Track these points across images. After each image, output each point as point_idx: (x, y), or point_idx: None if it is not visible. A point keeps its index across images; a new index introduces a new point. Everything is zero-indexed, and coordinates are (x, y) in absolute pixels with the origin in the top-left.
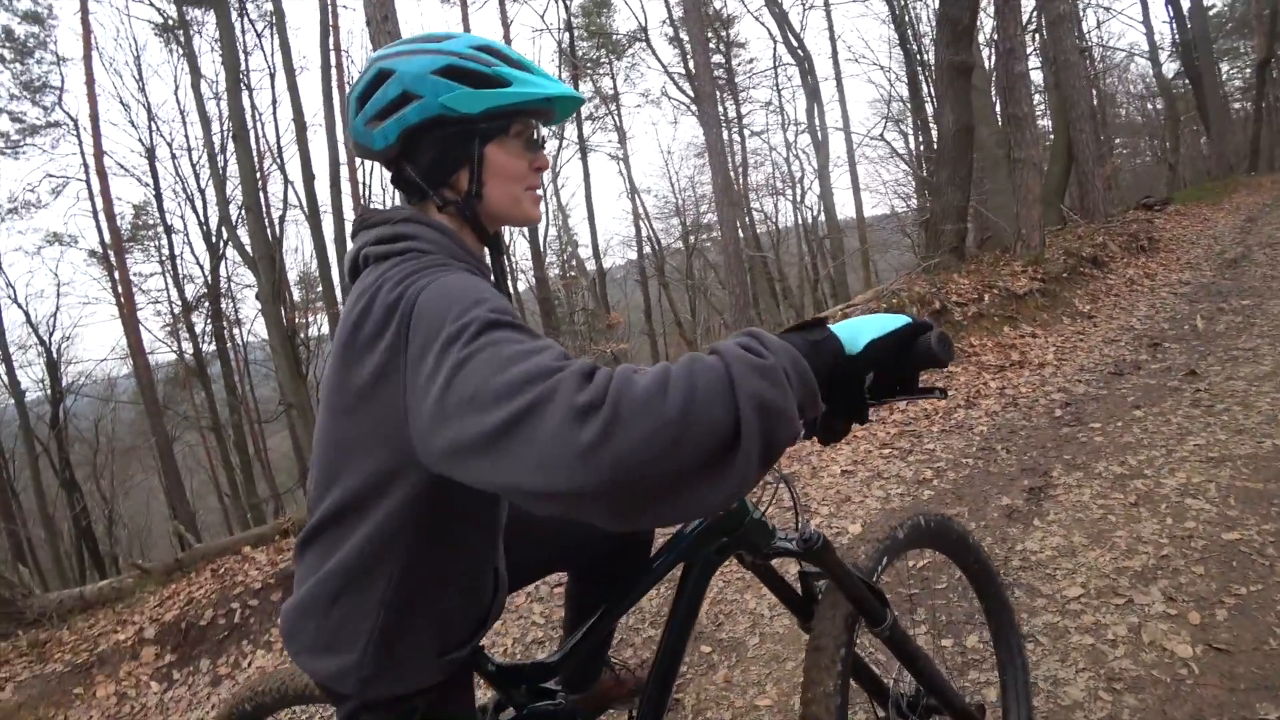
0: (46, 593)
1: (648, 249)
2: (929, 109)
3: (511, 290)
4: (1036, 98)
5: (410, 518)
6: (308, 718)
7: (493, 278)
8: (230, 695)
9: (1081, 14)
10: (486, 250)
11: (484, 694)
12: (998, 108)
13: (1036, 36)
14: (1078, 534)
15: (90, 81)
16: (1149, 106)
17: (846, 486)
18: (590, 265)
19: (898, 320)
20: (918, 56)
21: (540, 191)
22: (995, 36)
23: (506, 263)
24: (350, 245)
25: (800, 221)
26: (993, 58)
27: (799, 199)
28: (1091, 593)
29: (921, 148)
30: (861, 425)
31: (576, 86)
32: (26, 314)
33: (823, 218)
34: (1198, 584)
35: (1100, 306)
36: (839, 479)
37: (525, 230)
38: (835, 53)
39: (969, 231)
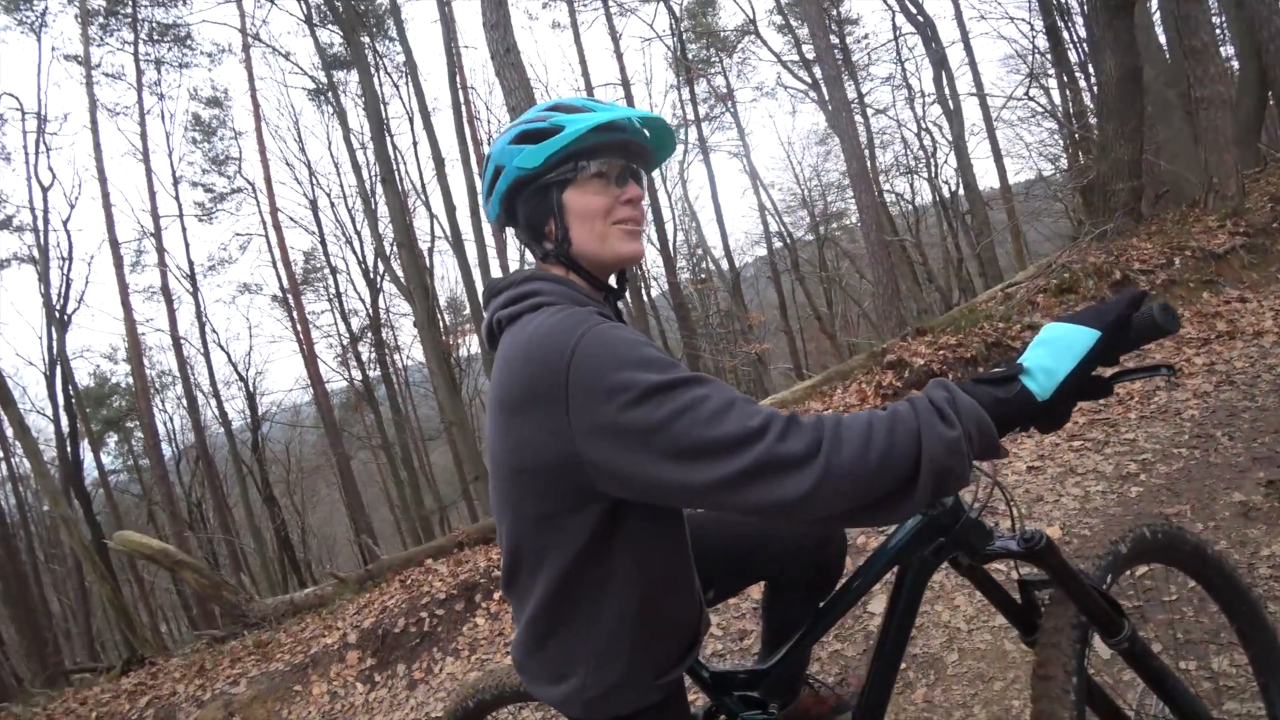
0: (263, 598)
1: (778, 244)
2: (1073, 57)
3: (645, 298)
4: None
5: (593, 551)
6: (525, 714)
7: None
8: (456, 692)
9: None
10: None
11: (695, 700)
12: (1163, 41)
13: None
14: None
15: (262, 149)
16: None
17: (1036, 485)
18: (723, 265)
19: (1088, 340)
20: (1055, 1)
21: (637, 226)
22: None
23: (623, 305)
24: (484, 313)
25: (938, 199)
26: None
27: (934, 175)
28: None
29: (1070, 102)
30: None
31: (692, 90)
32: (228, 355)
33: (962, 192)
34: None
35: None
36: (1025, 476)
37: (654, 237)
38: (959, 13)
39: (1144, 188)
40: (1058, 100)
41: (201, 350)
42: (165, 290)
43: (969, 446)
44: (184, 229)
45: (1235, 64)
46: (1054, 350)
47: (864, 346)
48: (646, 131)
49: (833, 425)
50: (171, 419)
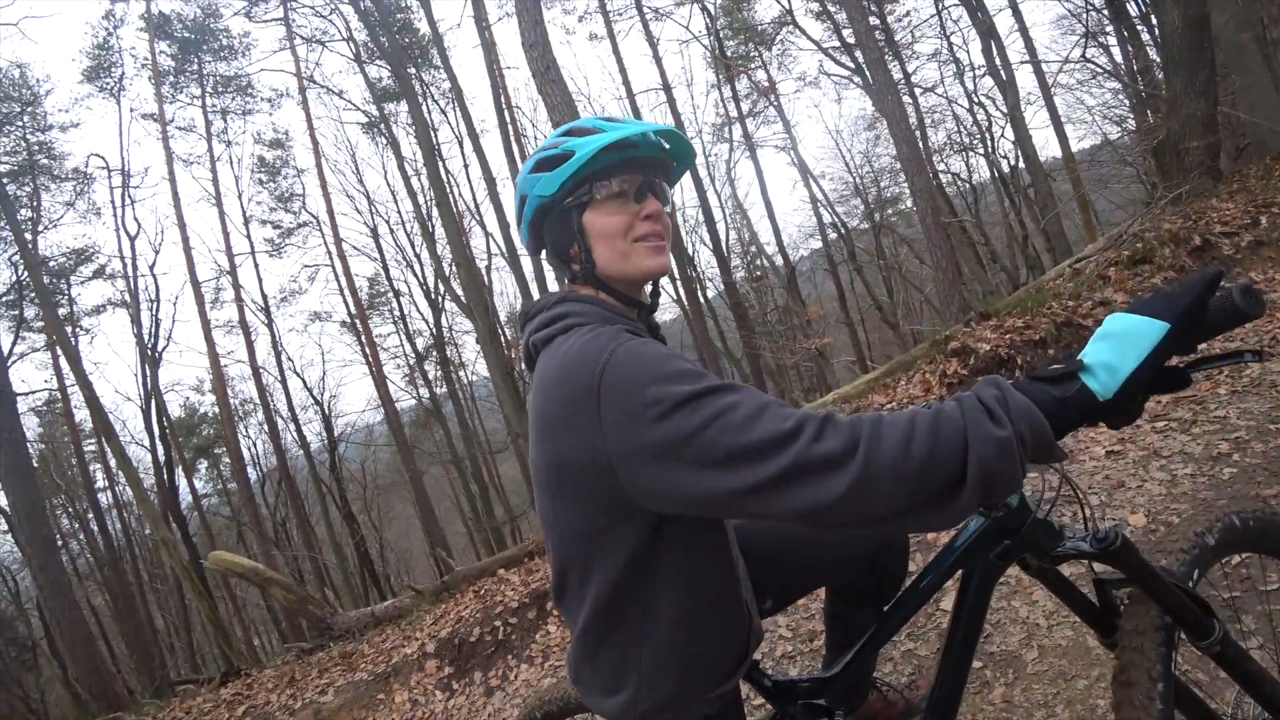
0: (346, 611)
1: (832, 235)
2: (1133, 10)
3: (702, 299)
4: None
5: (637, 566)
6: None
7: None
8: (523, 703)
9: None
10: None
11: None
12: None
13: None
14: None
15: (323, 184)
16: None
17: (1116, 470)
18: (778, 261)
19: (1156, 333)
20: None
21: (660, 240)
22: None
23: (656, 319)
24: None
25: (997, 175)
26: None
27: (991, 150)
28: None
29: (1133, 59)
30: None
31: (733, 87)
32: (303, 380)
33: (1022, 165)
34: None
35: None
36: (1105, 461)
37: (707, 237)
38: None
39: (1221, 144)
40: (1119, 58)
41: (279, 378)
42: (243, 323)
43: (1021, 448)
44: (256, 265)
45: None
46: (1118, 345)
47: (928, 334)
48: (664, 143)
49: (872, 424)
50: (255, 444)
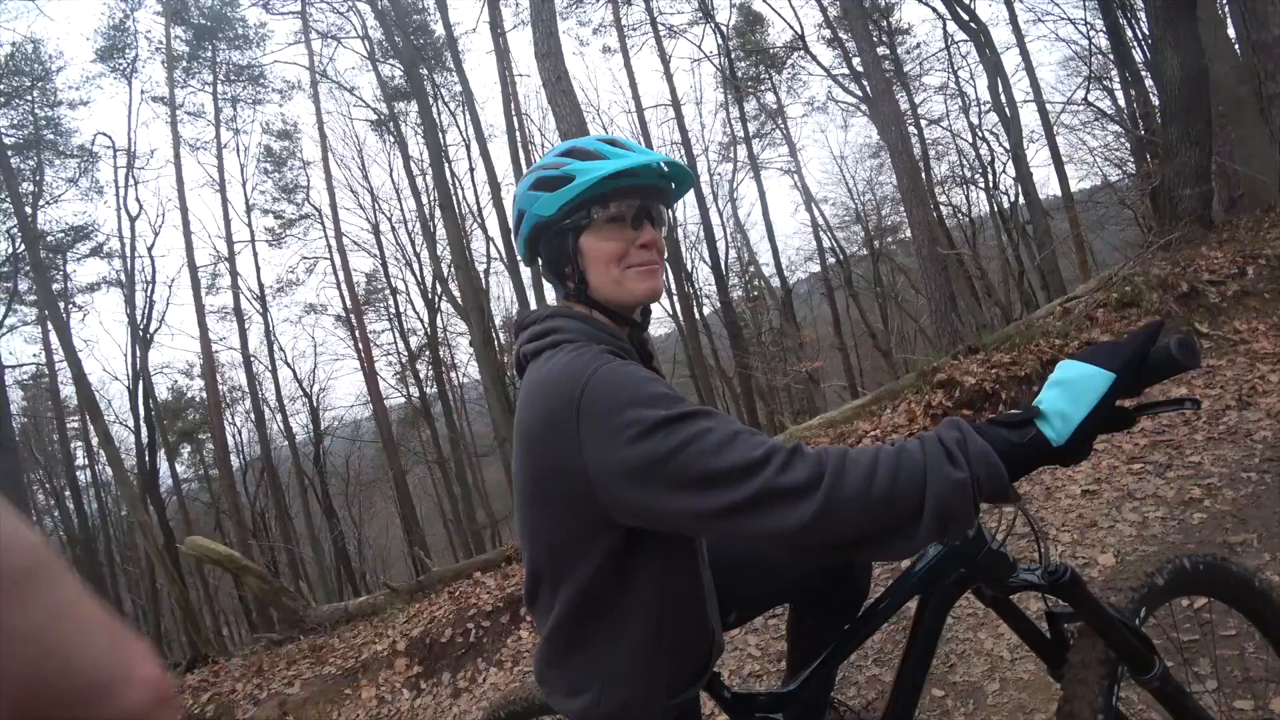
0: (319, 605)
1: (831, 260)
2: (1137, 56)
3: (698, 317)
4: None
5: (607, 575)
6: None
7: (638, 358)
8: (487, 705)
9: None
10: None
11: None
12: (1232, 33)
13: None
14: None
15: (328, 178)
16: None
17: (1090, 509)
18: (775, 283)
19: (1103, 383)
20: None
21: (653, 268)
22: None
23: (649, 339)
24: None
25: (996, 210)
26: None
27: (992, 185)
28: None
29: (1135, 103)
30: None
31: (741, 108)
32: (294, 371)
33: (1022, 201)
34: None
35: None
36: (1080, 500)
37: (706, 255)
38: (1014, 15)
39: (1214, 193)
40: (1122, 102)
41: (269, 367)
42: (237, 311)
43: (975, 490)
44: (255, 253)
45: None
46: (1070, 393)
47: (919, 364)
48: (665, 166)
49: (837, 459)
50: (240, 432)
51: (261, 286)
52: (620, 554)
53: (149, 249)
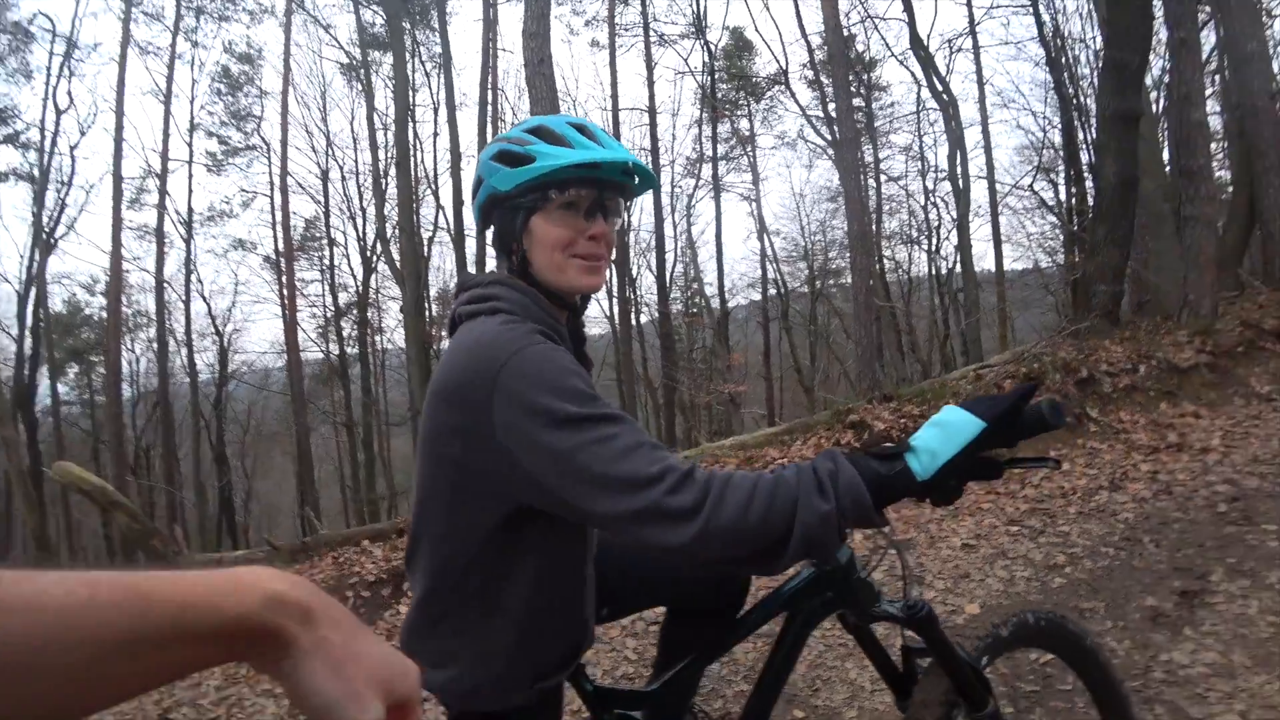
0: (193, 554)
1: (772, 291)
2: (1084, 158)
3: (635, 323)
4: (1214, 147)
5: (493, 549)
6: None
7: (570, 343)
8: None
9: (1273, 53)
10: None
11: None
12: (1165, 156)
13: (1217, 79)
14: (1239, 652)
15: (284, 113)
16: None
17: (966, 562)
18: (715, 303)
19: (973, 429)
20: (1074, 101)
21: (597, 261)
22: (1167, 79)
23: (583, 328)
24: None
25: (934, 272)
26: (1161, 102)
27: (934, 249)
28: None
29: (1074, 200)
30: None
31: (715, 127)
32: (209, 306)
33: (959, 269)
34: None
35: None
36: (958, 553)
37: (652, 264)
38: (983, 97)
39: (1125, 294)
40: (1063, 196)
41: (183, 297)
42: (159, 231)
43: (840, 519)
44: (190, 175)
45: (1229, 190)
46: (943, 434)
47: (837, 404)
48: (631, 166)
49: (720, 485)
50: (138, 361)
51: (190, 211)
52: (509, 529)
53: (72, 148)
